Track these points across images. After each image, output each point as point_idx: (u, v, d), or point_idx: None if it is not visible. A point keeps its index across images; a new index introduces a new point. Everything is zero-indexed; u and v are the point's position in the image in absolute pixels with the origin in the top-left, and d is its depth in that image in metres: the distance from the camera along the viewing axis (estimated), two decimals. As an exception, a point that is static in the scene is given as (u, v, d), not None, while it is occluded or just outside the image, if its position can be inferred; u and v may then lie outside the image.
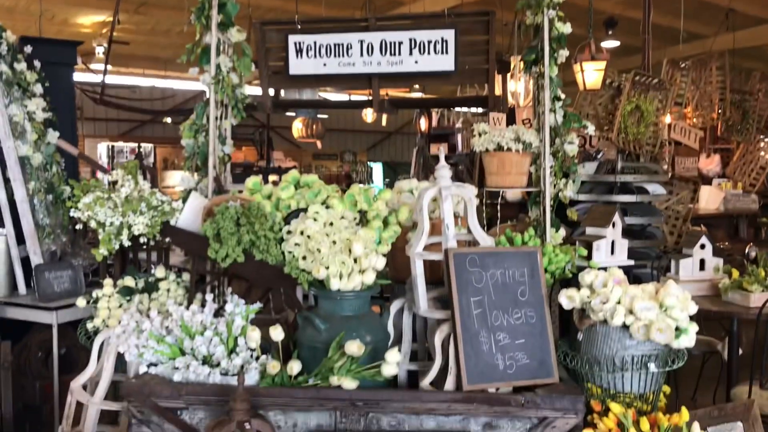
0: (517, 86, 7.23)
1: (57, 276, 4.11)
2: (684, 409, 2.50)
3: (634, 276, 4.14)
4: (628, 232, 4.09)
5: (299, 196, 3.11)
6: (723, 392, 4.16)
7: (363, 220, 3.04)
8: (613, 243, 3.61)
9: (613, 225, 3.59)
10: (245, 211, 2.91)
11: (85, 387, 3.08)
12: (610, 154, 5.88)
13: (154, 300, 3.15)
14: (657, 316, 2.57)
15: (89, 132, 15.70)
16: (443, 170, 2.87)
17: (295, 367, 2.67)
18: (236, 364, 2.66)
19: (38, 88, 4.28)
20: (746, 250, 5.92)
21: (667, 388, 2.89)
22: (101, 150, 15.02)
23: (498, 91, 4.20)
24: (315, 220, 2.86)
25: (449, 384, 2.66)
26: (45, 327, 4.04)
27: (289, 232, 2.92)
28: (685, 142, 7.90)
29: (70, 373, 3.23)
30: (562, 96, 3.54)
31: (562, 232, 3.57)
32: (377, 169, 19.67)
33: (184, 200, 3.19)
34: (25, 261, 4.21)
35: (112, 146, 15.28)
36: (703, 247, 4.11)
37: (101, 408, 2.96)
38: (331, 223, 2.86)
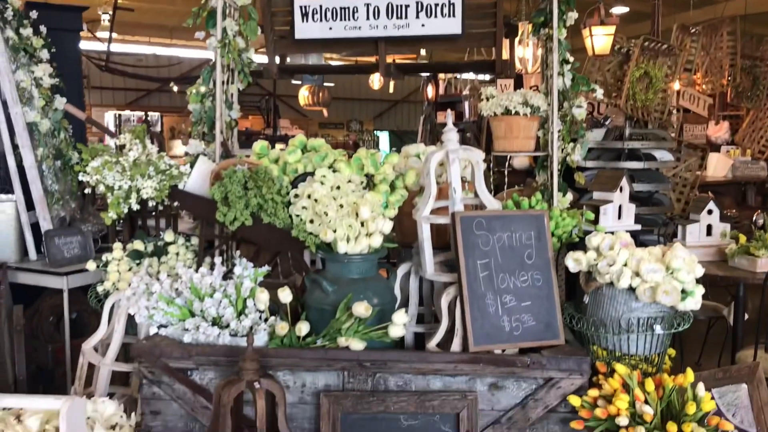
0: (525, 52, 7.16)
1: (66, 242, 4.14)
2: (689, 370, 2.52)
3: (640, 242, 4.13)
4: (635, 199, 4.09)
5: (306, 160, 3.11)
6: (728, 357, 4.19)
7: (370, 183, 3.04)
8: (620, 208, 3.61)
9: (621, 189, 3.58)
10: (253, 175, 2.92)
11: (96, 349, 3.13)
12: (618, 121, 5.84)
13: (164, 263, 3.18)
14: (663, 278, 2.58)
15: (96, 101, 15.68)
16: (451, 133, 2.86)
17: (303, 328, 2.70)
18: (245, 325, 2.69)
19: (44, 54, 4.27)
20: (754, 218, 5.90)
21: (672, 351, 2.91)
22: (108, 119, 15.02)
23: (505, 56, 4.16)
24: (322, 183, 2.86)
25: (455, 345, 2.69)
26: (56, 292, 4.09)
27: (296, 196, 2.93)
28: (694, 110, 7.84)
29: (81, 337, 3.27)
30: (571, 59, 3.50)
31: (570, 196, 3.56)
32: (384, 137, 19.62)
33: (192, 164, 3.20)
34: (35, 227, 4.25)
35: (119, 115, 15.28)
36: (710, 212, 4.11)
37: (112, 369, 3.01)
38: (338, 187, 2.87)
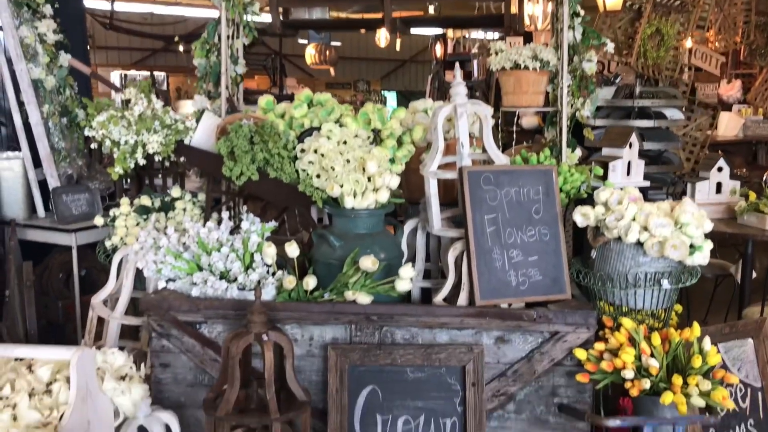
0: (535, 9, 7.05)
1: (74, 199, 4.16)
2: (696, 324, 2.53)
3: (649, 201, 4.11)
4: (644, 158, 4.05)
5: (312, 114, 3.09)
6: (734, 316, 4.19)
7: (377, 139, 3.02)
8: (629, 164, 3.58)
9: (630, 145, 3.55)
10: (259, 130, 2.90)
11: (105, 304, 3.15)
12: (629, 80, 5.75)
13: (171, 219, 3.18)
14: (672, 233, 2.57)
15: (101, 61, 15.55)
16: (459, 87, 2.82)
17: (310, 282, 2.71)
18: (253, 279, 2.71)
19: (48, 9, 4.22)
20: (765, 176, 5.84)
21: (678, 307, 2.91)
22: (114, 78, 14.91)
23: (514, 10, 4.09)
24: (328, 138, 2.84)
25: (462, 300, 2.69)
26: (65, 249, 4.12)
27: (302, 151, 2.92)
28: (706, 68, 7.70)
29: (91, 294, 3.30)
30: (581, 12, 3.44)
31: (578, 152, 3.53)
32: (391, 98, 19.45)
33: (197, 120, 3.18)
34: (43, 185, 4.26)
35: (125, 74, 15.16)
36: (720, 169, 4.07)
37: (121, 323, 3.03)
38: (345, 142, 2.85)
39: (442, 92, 8.56)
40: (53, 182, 4.19)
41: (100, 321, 3.14)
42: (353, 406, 2.62)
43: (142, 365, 2.49)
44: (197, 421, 2.75)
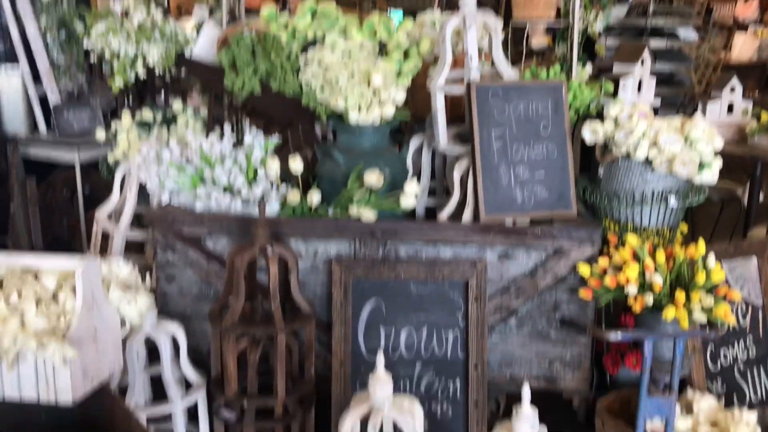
0: None
1: (76, 115, 4.11)
2: (701, 241, 2.51)
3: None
4: (656, 79, 3.96)
5: (316, 25, 2.99)
6: (739, 240, 4.19)
7: (383, 51, 2.93)
8: (640, 82, 3.49)
9: (642, 62, 3.46)
10: (261, 41, 2.82)
11: (110, 218, 3.15)
12: (642, -2, 5.57)
13: (173, 133, 3.14)
14: (681, 149, 2.52)
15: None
16: (468, -4, 2.73)
17: (315, 197, 2.69)
18: (256, 193, 2.69)
19: None
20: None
21: (684, 227, 2.89)
22: (113, -3, 14.56)
23: None
24: (332, 50, 2.77)
25: (467, 216, 2.68)
26: (68, 166, 4.10)
27: (306, 62, 2.84)
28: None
29: (94, 212, 3.30)
30: None
31: (589, 68, 3.43)
32: (397, 17, 18.99)
33: (199, 31, 3.09)
34: (44, 102, 4.20)
35: (124, -10, 14.77)
36: (733, 89, 3.98)
37: (126, 237, 3.04)
38: (350, 54, 2.77)
39: (450, 8, 8.31)
40: (53, 98, 4.13)
41: (105, 237, 3.15)
42: (357, 319, 2.65)
43: (147, 277, 2.50)
44: (203, 333, 2.78)
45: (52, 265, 2.14)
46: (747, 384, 2.84)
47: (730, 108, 4.00)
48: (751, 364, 2.87)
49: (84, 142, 3.97)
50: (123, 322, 2.32)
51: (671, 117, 2.73)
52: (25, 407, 2.18)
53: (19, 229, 3.65)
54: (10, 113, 4.14)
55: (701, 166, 2.57)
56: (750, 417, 2.48)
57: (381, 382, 1.98)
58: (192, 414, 2.74)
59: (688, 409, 2.58)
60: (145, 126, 3.15)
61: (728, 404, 2.74)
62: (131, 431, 2.10)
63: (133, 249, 3.28)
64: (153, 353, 2.66)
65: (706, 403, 2.56)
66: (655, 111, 3.47)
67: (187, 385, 2.67)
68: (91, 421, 2.26)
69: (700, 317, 2.38)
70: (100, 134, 3.22)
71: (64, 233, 4.15)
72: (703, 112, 3.94)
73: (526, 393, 1.80)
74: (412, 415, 2.02)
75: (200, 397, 2.63)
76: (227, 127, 2.84)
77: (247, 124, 3.04)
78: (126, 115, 3.16)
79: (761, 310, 2.92)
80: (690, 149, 2.54)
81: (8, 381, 2.04)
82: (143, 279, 2.59)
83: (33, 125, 4.24)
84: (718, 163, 2.59)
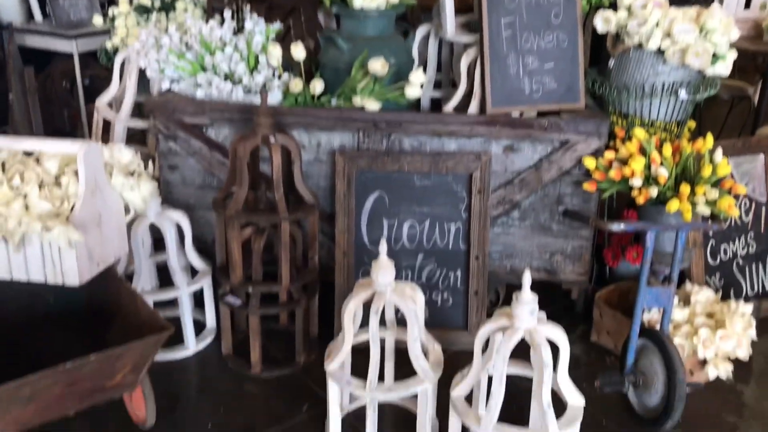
0: None
1: (72, 3, 3.98)
2: (709, 135, 2.48)
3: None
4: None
5: None
6: (748, 137, 4.13)
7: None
8: (657, -28, 3.34)
9: (660, -49, 3.29)
10: None
11: (110, 107, 3.11)
12: None
13: (172, 20, 3.05)
14: (695, 39, 2.44)
15: None
16: None
17: (318, 86, 2.64)
18: (258, 81, 2.63)
19: None
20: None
21: (692, 123, 2.85)
22: None
23: None
24: (337, -70, 2.64)
25: (473, 108, 2.63)
26: (66, 57, 4.01)
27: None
28: None
29: (95, 103, 3.25)
30: None
31: (604, -44, 3.29)
32: None
33: None
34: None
35: None
36: (752, -18, 3.82)
37: (127, 125, 3.01)
38: (355, -65, 2.65)
39: None
40: (48, -16, 3.99)
41: (106, 127, 3.11)
42: (360, 210, 2.66)
43: (150, 164, 2.49)
44: (207, 221, 2.80)
45: (53, 148, 2.12)
46: (744, 278, 2.88)
47: (748, 3, 3.86)
48: (750, 260, 2.90)
49: (82, 32, 3.86)
50: (127, 209, 2.32)
51: (687, 7, 2.63)
52: (33, 290, 2.22)
53: (19, 119, 3.61)
54: (4, 0, 4.02)
55: (715, 57, 2.49)
56: (745, 308, 2.52)
57: (383, 267, 2.00)
58: (198, 300, 2.80)
59: (686, 301, 2.63)
60: (143, 11, 3.05)
61: (725, 298, 2.78)
62: (137, 312, 2.15)
63: (134, 139, 3.26)
64: (159, 243, 2.68)
65: (703, 296, 2.60)
66: (671, 0, 3.34)
67: (193, 273, 2.71)
68: (98, 304, 2.31)
69: (704, 210, 2.38)
70: (97, 20, 3.12)
71: (65, 125, 4.11)
72: (720, 3, 3.79)
73: (526, 279, 1.82)
74: (414, 301, 2.06)
75: (206, 284, 2.68)
76: (227, 14, 2.75)
77: (248, 11, 2.94)
78: (123, 2, 3.05)
79: (764, 207, 2.92)
80: (704, 40, 2.46)
81: (16, 263, 2.06)
82: (146, 167, 2.57)
83: (28, 13, 4.12)
84: (732, 56, 2.51)
